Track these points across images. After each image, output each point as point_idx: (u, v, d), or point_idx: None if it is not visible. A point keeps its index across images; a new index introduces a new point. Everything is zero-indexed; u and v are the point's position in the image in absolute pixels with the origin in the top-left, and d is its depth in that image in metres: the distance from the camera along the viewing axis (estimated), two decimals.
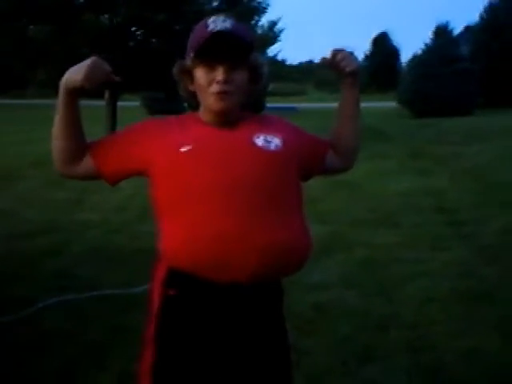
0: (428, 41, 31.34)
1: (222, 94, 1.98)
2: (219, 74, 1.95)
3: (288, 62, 70.44)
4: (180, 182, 1.94)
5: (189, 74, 2.05)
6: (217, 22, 1.98)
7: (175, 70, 2.09)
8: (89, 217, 8.27)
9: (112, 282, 5.42)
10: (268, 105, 35.80)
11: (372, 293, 5.25)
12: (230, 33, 1.96)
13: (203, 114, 2.10)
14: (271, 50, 48.35)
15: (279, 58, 48.05)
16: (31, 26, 13.31)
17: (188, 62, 2.04)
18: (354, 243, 6.77)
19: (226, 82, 1.96)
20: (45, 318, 4.76)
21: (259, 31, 35.88)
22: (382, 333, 4.40)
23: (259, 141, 2.02)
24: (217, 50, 1.94)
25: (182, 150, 1.95)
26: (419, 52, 32.03)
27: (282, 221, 1.97)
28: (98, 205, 9.03)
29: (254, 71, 2.08)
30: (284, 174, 2.02)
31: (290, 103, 43.03)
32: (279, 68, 50.57)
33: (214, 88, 1.97)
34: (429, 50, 30.80)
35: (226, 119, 2.06)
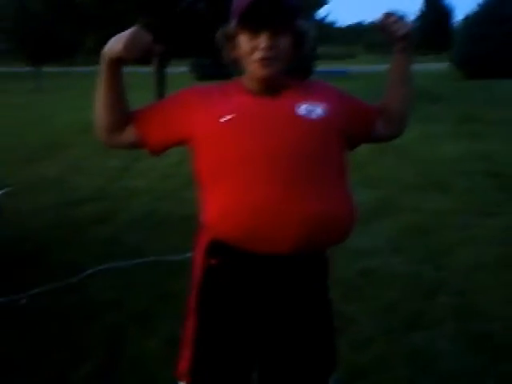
0: (481, 0, 30.56)
1: (265, 61, 1.93)
2: (262, 41, 1.91)
3: (337, 25, 69.57)
4: (220, 152, 1.91)
5: (232, 40, 2.00)
6: None
7: (218, 36, 2.04)
8: (136, 184, 8.33)
9: (159, 249, 5.46)
10: (317, 69, 35.56)
11: (420, 259, 5.18)
12: None
13: (247, 80, 2.05)
14: (320, 13, 47.67)
15: (328, 20, 47.55)
16: None
17: (231, 27, 1.98)
18: (403, 208, 6.69)
19: (269, 48, 1.91)
20: (92, 284, 4.82)
21: None
22: (430, 300, 4.35)
23: (301, 110, 1.96)
24: (260, 15, 1.88)
25: (222, 120, 1.92)
26: (473, 11, 31.31)
27: (323, 191, 1.91)
28: (145, 172, 9.09)
29: (298, 37, 2.01)
30: (325, 143, 1.97)
31: (339, 67, 42.56)
32: (328, 31, 49.98)
33: (258, 54, 1.92)
34: (482, 10, 30.07)
35: (270, 86, 2.01)
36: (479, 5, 30.60)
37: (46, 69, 36.04)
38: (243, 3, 1.90)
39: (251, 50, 1.93)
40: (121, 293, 4.69)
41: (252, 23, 1.91)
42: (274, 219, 1.82)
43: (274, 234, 1.84)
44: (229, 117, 1.92)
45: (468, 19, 31.66)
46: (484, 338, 3.77)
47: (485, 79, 23.81)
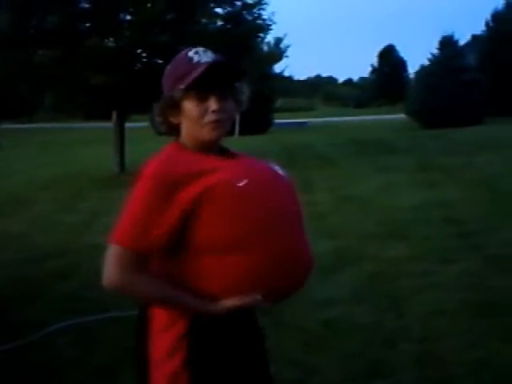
0: (434, 52, 31.38)
1: (216, 123, 2.01)
2: (213, 104, 1.99)
3: (295, 78, 70.52)
4: (248, 216, 1.93)
5: (176, 106, 2.05)
6: (201, 54, 2.04)
7: (161, 104, 2.08)
8: (99, 240, 8.29)
9: (122, 305, 5.42)
10: (276, 121, 35.96)
11: (381, 307, 5.23)
12: (227, 63, 2.04)
13: (190, 144, 2.07)
14: (278, 67, 48.59)
15: (286, 73, 48.17)
16: (37, 51, 13.41)
17: (176, 94, 2.02)
18: (364, 257, 6.76)
19: (220, 110, 2.00)
20: (55, 341, 4.79)
21: (265, 48, 36.17)
22: (391, 347, 4.39)
23: (278, 169, 2.15)
24: (211, 80, 1.97)
25: (240, 184, 1.93)
26: (426, 63, 32.12)
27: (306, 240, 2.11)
28: (108, 228, 9.03)
29: (238, 98, 2.12)
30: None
31: (298, 118, 43.07)
32: (287, 84, 50.61)
33: (210, 117, 2.00)
34: (435, 62, 30.91)
35: (215, 147, 2.10)
36: (431, 57, 31.40)
37: (4, 126, 35.85)
38: (192, 70, 1.99)
39: (201, 114, 2.00)
40: (84, 349, 4.67)
41: (203, 88, 1.99)
42: (300, 269, 2.04)
43: (297, 283, 2.06)
44: (245, 181, 1.94)
45: (421, 71, 32.43)
46: None
47: (440, 129, 24.31)
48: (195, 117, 2.01)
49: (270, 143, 22.12)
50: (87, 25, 14.47)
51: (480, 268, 6.17)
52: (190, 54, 2.05)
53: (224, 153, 2.13)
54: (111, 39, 14.39)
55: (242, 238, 1.92)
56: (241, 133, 27.57)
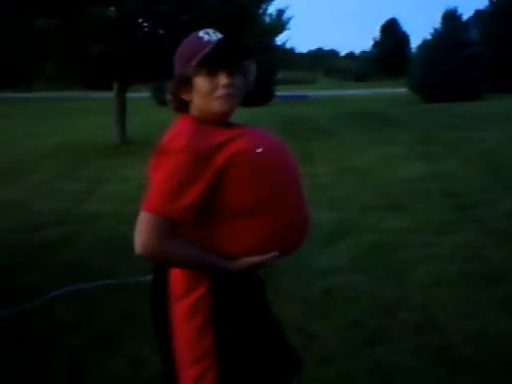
0: (437, 26, 31.17)
1: (226, 97, 2.13)
2: (223, 79, 2.11)
3: (297, 51, 70.27)
4: (268, 181, 2.10)
5: (187, 82, 2.16)
6: (211, 34, 2.15)
7: (175, 82, 2.19)
8: (99, 207, 8.32)
9: (122, 272, 5.46)
10: (278, 93, 35.83)
11: (381, 277, 5.27)
12: (236, 41, 2.16)
13: (202, 118, 2.18)
14: (280, 39, 48.32)
15: (288, 46, 48.08)
16: (36, 20, 13.30)
17: (187, 71, 2.14)
18: (363, 228, 6.79)
19: (230, 85, 2.12)
20: (56, 307, 4.81)
21: (267, 19, 35.92)
22: (391, 316, 4.43)
23: (279, 140, 2.30)
24: (221, 57, 2.09)
25: (258, 150, 2.09)
26: (428, 38, 31.90)
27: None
28: (109, 196, 9.08)
29: (245, 75, 2.23)
30: None
31: (299, 91, 42.91)
32: (288, 56, 50.41)
33: (221, 91, 2.11)
34: (438, 36, 30.69)
35: (225, 121, 2.21)
36: (434, 31, 31.21)
37: (3, 95, 35.71)
38: (204, 48, 2.09)
39: (212, 88, 2.12)
40: (84, 315, 4.70)
41: (214, 64, 2.10)
42: (306, 230, 2.23)
43: (302, 242, 2.24)
44: (261, 148, 2.10)
45: (423, 45, 32.25)
46: (444, 352, 3.86)
47: (441, 103, 24.26)
48: (207, 91, 2.12)
49: (271, 115, 22.06)
50: None
51: (479, 240, 6.21)
52: (200, 34, 2.16)
53: (232, 126, 2.23)
54: (112, 8, 14.26)
55: (264, 201, 2.08)
56: (242, 104, 27.44)
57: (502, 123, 15.51)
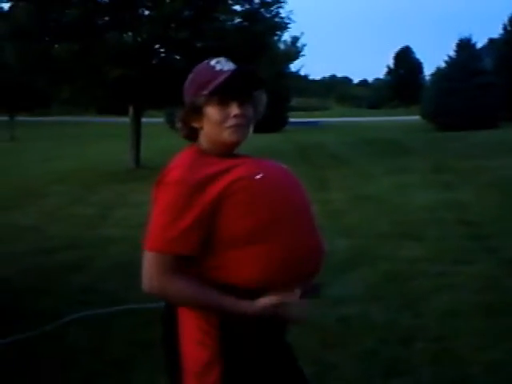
0: (451, 54, 31.26)
1: (237, 128, 2.13)
2: (234, 109, 2.11)
3: (311, 77, 70.53)
4: (267, 207, 2.06)
5: (199, 111, 2.15)
6: (223, 63, 2.16)
7: (185, 109, 2.19)
8: (112, 232, 8.32)
9: (135, 297, 5.42)
10: (291, 119, 35.97)
11: (396, 306, 5.22)
12: (250, 71, 2.17)
13: (209, 147, 2.18)
14: (294, 65, 48.60)
15: (302, 72, 48.29)
16: (55, 45, 13.45)
17: (199, 100, 2.13)
18: (379, 257, 6.74)
19: (241, 115, 2.12)
20: (68, 332, 4.79)
21: (282, 46, 36.17)
22: (407, 346, 4.37)
23: (282, 164, 2.28)
24: (233, 88, 2.09)
25: (257, 177, 2.06)
26: (442, 66, 31.99)
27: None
28: (122, 221, 9.09)
29: (256, 104, 2.23)
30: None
31: (313, 118, 43.07)
32: (302, 83, 50.62)
33: (232, 121, 2.11)
34: (452, 64, 30.79)
35: (232, 151, 2.19)
36: (448, 59, 31.30)
37: (20, 118, 35.99)
38: (216, 78, 2.10)
39: (223, 118, 2.11)
40: (97, 341, 4.67)
41: (226, 95, 2.11)
42: (316, 260, 2.16)
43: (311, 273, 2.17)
44: (261, 175, 2.07)
45: (437, 73, 32.33)
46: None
47: (455, 131, 24.23)
48: (217, 121, 2.12)
49: (284, 142, 22.11)
50: (106, 19, 14.49)
51: (494, 270, 6.15)
52: (212, 62, 2.17)
53: (236, 156, 2.22)
54: (129, 34, 14.41)
55: (263, 227, 2.03)
56: (256, 131, 27.50)
57: None
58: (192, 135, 2.22)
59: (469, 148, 17.45)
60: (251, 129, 2.21)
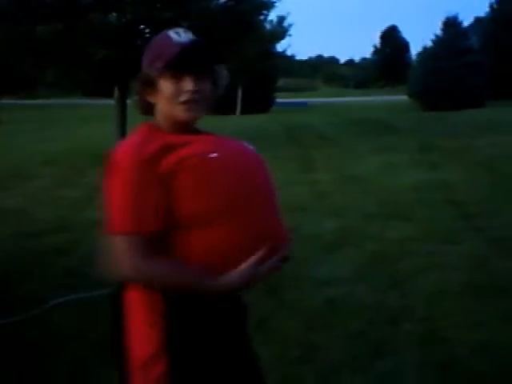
0: (438, 33, 31.25)
1: (191, 104, 2.00)
2: (188, 84, 1.98)
3: (297, 57, 70.37)
4: (221, 188, 1.93)
5: (151, 84, 2.03)
6: (181, 34, 2.03)
7: (138, 81, 2.07)
8: (99, 215, 8.25)
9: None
10: (278, 100, 35.88)
11: (384, 287, 5.21)
12: (203, 45, 2.02)
13: (163, 124, 2.06)
14: (280, 46, 48.39)
15: (288, 53, 48.15)
16: (38, 26, 13.29)
17: (152, 72, 2.01)
18: (366, 237, 6.73)
19: (194, 91, 1.99)
20: (54, 316, 4.76)
21: (268, 26, 36.01)
22: (394, 327, 4.37)
23: (248, 145, 2.14)
24: (188, 61, 1.97)
25: (212, 155, 1.93)
26: (429, 45, 31.98)
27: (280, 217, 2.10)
28: None
29: (215, 80, 2.10)
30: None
31: (300, 98, 43.00)
32: (289, 63, 50.46)
33: (184, 97, 1.99)
34: (438, 43, 30.81)
35: (189, 128, 2.07)
36: (435, 38, 31.26)
37: (5, 101, 35.74)
38: (170, 50, 1.98)
39: (176, 93, 1.99)
40: (83, 324, 4.64)
41: (179, 68, 1.98)
42: (278, 242, 2.02)
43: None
44: (215, 154, 1.94)
45: (424, 53, 32.31)
46: (449, 365, 3.79)
47: (441, 111, 24.23)
48: (170, 96, 2.00)
49: (271, 122, 22.03)
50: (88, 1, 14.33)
51: (483, 250, 6.16)
52: (171, 33, 2.04)
53: (195, 132, 2.11)
54: (114, 14, 14.25)
55: (218, 210, 1.91)
56: (242, 112, 27.51)
57: (503, 131, 15.47)
58: (149, 111, 2.09)
59: (456, 127, 17.45)
60: (209, 106, 2.08)
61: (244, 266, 1.91)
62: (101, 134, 18.97)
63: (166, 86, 1.99)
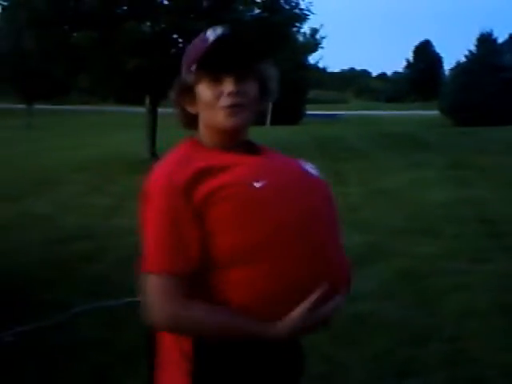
0: (472, 48, 31.05)
1: (233, 108, 1.72)
2: (228, 86, 1.72)
3: (329, 70, 70.40)
4: (267, 221, 1.65)
5: (190, 92, 1.79)
6: (217, 31, 1.76)
7: (174, 90, 1.83)
8: (126, 223, 8.28)
9: None
10: (309, 112, 35.85)
11: (411, 304, 5.14)
12: (236, 37, 1.75)
13: (207, 138, 1.81)
14: (313, 57, 48.36)
15: (320, 65, 48.21)
16: (74, 33, 13.44)
17: (189, 78, 1.78)
18: (394, 253, 6.66)
19: (236, 93, 1.72)
20: (79, 323, 4.77)
21: (301, 38, 36.05)
22: (421, 346, 4.30)
23: (310, 168, 1.86)
24: (222, 57, 1.71)
25: (257, 184, 1.65)
26: (462, 60, 31.79)
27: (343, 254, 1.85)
28: (136, 211, 9.04)
29: (263, 84, 1.83)
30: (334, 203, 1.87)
31: (330, 111, 42.95)
32: (321, 75, 50.48)
33: (225, 101, 1.72)
34: (472, 59, 30.58)
35: (236, 140, 1.80)
36: (468, 54, 31.07)
37: (38, 106, 36.11)
38: (201, 49, 1.73)
39: (216, 97, 1.73)
40: (107, 332, 4.64)
41: (213, 67, 1.73)
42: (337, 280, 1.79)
43: None
44: (262, 182, 1.67)
45: (457, 68, 32.12)
46: None
47: (473, 127, 24.02)
48: (209, 101, 1.74)
49: (302, 134, 22.00)
50: (124, 8, 14.46)
51: (511, 269, 6.05)
52: (208, 32, 1.77)
53: (251, 150, 1.83)
54: (148, 24, 14.37)
55: (263, 244, 1.64)
56: (272, 123, 27.50)
57: None
58: (191, 123, 1.85)
59: (488, 144, 17.26)
60: (257, 112, 1.81)
61: (297, 311, 1.66)
62: (133, 141, 19.09)
63: (203, 90, 1.75)
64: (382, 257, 6.51)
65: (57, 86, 30.09)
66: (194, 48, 1.79)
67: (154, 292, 1.65)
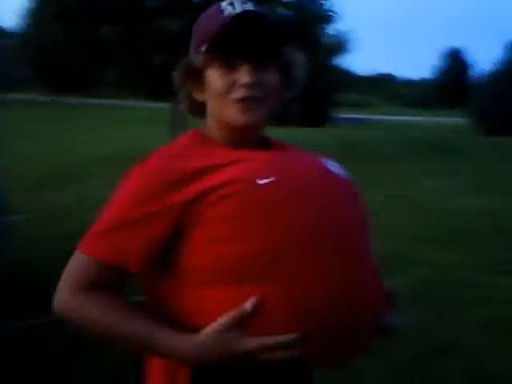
0: (500, 56, 30.80)
1: (248, 102, 1.42)
2: (244, 75, 1.40)
3: (356, 73, 70.12)
4: (272, 228, 1.30)
5: (198, 77, 1.48)
6: (235, 4, 1.43)
7: (179, 72, 1.52)
8: None
9: None
10: (334, 115, 35.71)
11: (430, 316, 5.05)
12: (259, 16, 1.43)
13: (215, 132, 1.51)
14: (339, 60, 48.12)
15: (347, 68, 48.02)
16: (102, 27, 13.48)
17: (197, 59, 1.47)
18: (413, 262, 6.57)
19: (253, 85, 1.41)
20: None
21: (327, 40, 35.88)
22: (439, 359, 4.22)
23: (333, 166, 1.52)
24: (240, 39, 1.40)
25: (261, 182, 1.33)
26: (493, 68, 31.52)
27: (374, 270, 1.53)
28: None
29: (286, 72, 1.51)
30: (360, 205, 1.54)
31: (356, 114, 42.80)
32: (347, 78, 50.30)
33: (237, 93, 1.41)
34: (502, 67, 30.29)
35: (249, 138, 1.50)
36: (500, 62, 30.79)
37: (66, 99, 36.34)
38: (214, 26, 1.42)
39: (228, 87, 1.42)
40: None
41: (227, 50, 1.41)
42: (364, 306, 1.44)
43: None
44: (270, 179, 1.34)
45: (488, 76, 31.83)
46: None
47: (502, 136, 23.77)
48: (219, 92, 1.43)
49: (326, 136, 21.90)
50: (154, 4, 14.49)
51: None
52: (224, 4, 1.45)
53: (263, 145, 1.53)
54: (176, 20, 14.39)
55: (263, 258, 1.28)
56: (297, 124, 27.42)
57: None
58: (201, 111, 1.53)
59: None
60: (277, 106, 1.50)
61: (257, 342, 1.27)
62: (157, 137, 19.12)
63: (213, 78, 1.44)
64: (400, 265, 6.39)
65: (85, 80, 30.29)
66: (206, 22, 1.48)
67: (65, 273, 1.41)
